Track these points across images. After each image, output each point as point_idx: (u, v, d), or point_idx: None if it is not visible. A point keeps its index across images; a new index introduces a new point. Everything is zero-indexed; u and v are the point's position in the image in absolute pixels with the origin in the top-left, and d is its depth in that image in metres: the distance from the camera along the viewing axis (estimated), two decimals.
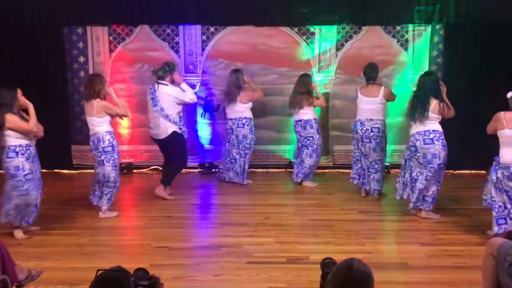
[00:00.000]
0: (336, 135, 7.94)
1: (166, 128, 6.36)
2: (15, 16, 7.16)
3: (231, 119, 7.04)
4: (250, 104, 7.07)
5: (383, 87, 6.34)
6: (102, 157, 5.65)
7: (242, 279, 4.28)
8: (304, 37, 7.78)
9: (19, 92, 5.03)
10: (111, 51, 7.86)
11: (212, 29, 7.80)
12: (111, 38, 7.84)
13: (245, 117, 7.02)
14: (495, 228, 4.92)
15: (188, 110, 7.59)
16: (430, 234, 5.26)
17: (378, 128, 6.26)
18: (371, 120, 6.25)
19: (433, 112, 5.49)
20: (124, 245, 5.17)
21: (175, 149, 6.51)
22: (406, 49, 7.77)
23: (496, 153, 4.93)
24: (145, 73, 7.86)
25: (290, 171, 7.56)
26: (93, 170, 6.02)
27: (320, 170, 7.58)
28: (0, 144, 4.95)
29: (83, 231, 5.40)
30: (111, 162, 5.67)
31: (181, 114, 6.58)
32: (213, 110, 7.92)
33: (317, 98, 6.98)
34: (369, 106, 6.25)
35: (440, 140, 5.53)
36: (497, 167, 4.89)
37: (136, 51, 7.86)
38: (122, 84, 7.87)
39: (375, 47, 7.74)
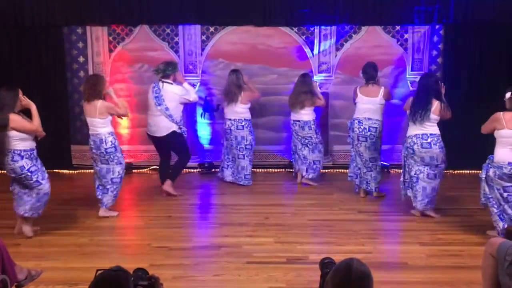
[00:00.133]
0: (336, 135, 7.94)
1: (167, 127, 6.39)
2: (15, 16, 7.16)
3: (229, 119, 7.03)
4: (249, 105, 7.07)
5: (382, 87, 6.36)
6: (106, 157, 5.71)
7: (242, 279, 4.28)
8: (304, 37, 7.78)
9: (20, 92, 5.04)
10: (110, 51, 7.85)
11: (211, 29, 7.80)
12: (110, 38, 7.84)
13: (244, 119, 7.02)
14: (500, 224, 4.92)
15: (188, 110, 7.59)
16: (430, 234, 5.26)
17: (376, 128, 6.26)
18: (369, 119, 6.25)
19: (434, 113, 5.49)
20: (124, 245, 5.17)
21: (175, 146, 6.58)
22: (405, 49, 7.77)
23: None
24: (145, 73, 7.87)
25: (290, 171, 7.57)
26: (92, 170, 6.01)
27: (320, 170, 7.57)
28: (5, 146, 4.94)
29: (82, 231, 5.40)
30: (116, 160, 5.75)
31: (181, 113, 6.59)
32: (213, 110, 7.92)
33: (319, 98, 7.01)
34: (368, 106, 6.25)
35: (438, 144, 5.55)
36: (489, 166, 4.93)
37: (135, 51, 7.86)
38: (122, 84, 7.87)
39: (375, 47, 7.74)
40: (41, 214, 5.24)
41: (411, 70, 7.74)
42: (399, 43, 7.77)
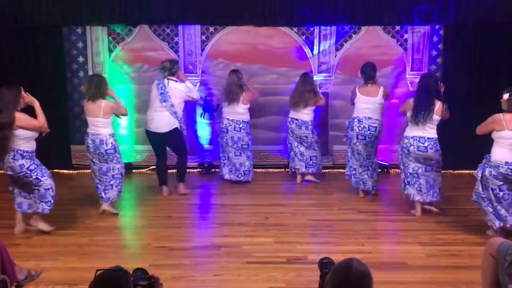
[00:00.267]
0: (336, 135, 7.93)
1: (170, 123, 6.41)
2: (15, 16, 7.15)
3: (227, 119, 7.02)
4: (249, 105, 7.09)
5: (382, 87, 6.37)
6: (105, 157, 5.75)
7: (242, 279, 4.28)
8: (304, 37, 7.78)
9: (22, 90, 5.05)
10: (110, 51, 7.85)
11: (211, 29, 7.80)
12: (110, 38, 7.84)
13: (242, 121, 7.02)
14: (496, 223, 4.94)
15: (188, 110, 7.59)
16: (430, 234, 5.27)
17: (375, 127, 6.28)
18: (369, 118, 6.26)
19: (436, 113, 5.52)
20: (124, 245, 5.18)
21: (176, 143, 6.58)
22: (405, 49, 7.77)
23: None
24: (145, 73, 7.87)
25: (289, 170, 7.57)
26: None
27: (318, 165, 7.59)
28: (9, 144, 4.93)
29: (82, 231, 5.40)
30: (115, 160, 5.80)
31: (182, 112, 6.63)
32: (213, 110, 7.92)
33: (320, 97, 7.06)
34: (368, 106, 6.27)
35: (434, 148, 5.58)
36: (485, 165, 4.94)
37: (135, 51, 7.85)
38: (122, 84, 7.86)
39: (375, 47, 7.74)
40: (51, 210, 5.26)
41: (411, 70, 7.74)
42: (399, 43, 7.77)
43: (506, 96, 4.88)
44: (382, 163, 7.51)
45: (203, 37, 7.82)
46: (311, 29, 7.71)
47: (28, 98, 5.10)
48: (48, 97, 7.32)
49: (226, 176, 7.19)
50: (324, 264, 2.72)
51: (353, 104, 6.47)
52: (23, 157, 5.00)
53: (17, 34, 7.45)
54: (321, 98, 7.10)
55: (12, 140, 4.92)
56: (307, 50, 7.80)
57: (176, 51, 7.79)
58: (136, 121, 7.95)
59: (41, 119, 5.09)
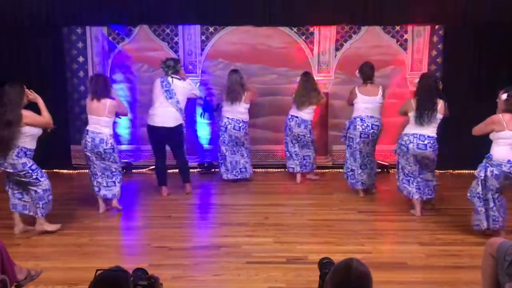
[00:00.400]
0: (336, 135, 7.92)
1: (176, 118, 6.45)
2: (15, 16, 7.14)
3: (227, 117, 7.03)
4: (249, 105, 7.10)
5: (380, 86, 6.43)
6: (103, 156, 5.79)
7: (242, 279, 4.28)
8: (304, 37, 7.78)
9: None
10: (110, 51, 7.85)
11: (211, 29, 7.80)
12: (110, 38, 7.84)
13: (242, 120, 7.04)
14: (485, 224, 5.00)
15: (188, 110, 7.57)
16: (429, 234, 5.27)
17: (378, 126, 6.33)
18: (371, 117, 6.31)
19: (439, 112, 5.56)
20: (123, 245, 5.18)
21: (179, 140, 6.59)
22: (405, 49, 7.77)
23: None
24: (145, 73, 7.87)
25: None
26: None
27: (320, 170, 7.59)
28: (15, 141, 4.94)
29: (82, 231, 5.40)
30: (112, 159, 5.84)
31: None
32: (213, 110, 7.91)
33: (322, 96, 7.12)
34: (368, 105, 6.30)
35: (432, 147, 5.60)
36: (487, 165, 4.92)
37: (135, 51, 7.86)
38: (122, 84, 7.86)
39: (375, 47, 7.74)
40: (50, 210, 5.27)
41: (411, 70, 7.74)
42: (398, 43, 7.77)
43: (504, 96, 4.88)
44: (382, 163, 7.51)
45: (203, 37, 7.82)
46: (311, 29, 7.71)
47: (32, 95, 5.14)
48: (48, 97, 7.32)
49: (224, 176, 7.20)
50: (324, 264, 2.72)
51: (351, 104, 6.51)
52: (26, 155, 5.02)
53: (17, 34, 7.44)
54: (323, 97, 7.16)
55: (18, 137, 4.93)
56: (307, 50, 7.80)
57: (176, 51, 7.79)
58: (136, 121, 7.94)
59: (45, 115, 5.14)
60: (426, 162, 5.72)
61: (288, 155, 7.21)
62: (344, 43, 7.80)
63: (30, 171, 5.06)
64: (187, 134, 6.91)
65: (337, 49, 7.81)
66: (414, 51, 7.75)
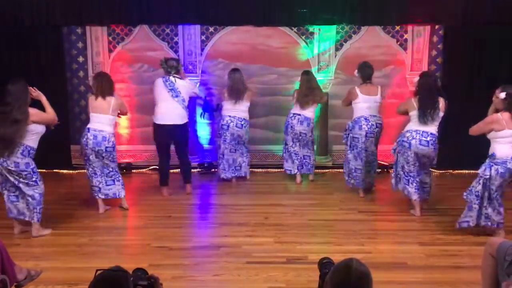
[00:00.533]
0: (336, 135, 7.93)
1: (184, 116, 6.52)
2: (15, 16, 7.15)
3: (229, 116, 7.03)
4: (249, 104, 7.12)
5: (379, 86, 6.47)
6: (103, 155, 5.79)
7: (242, 279, 4.28)
8: (304, 37, 7.78)
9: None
10: (110, 51, 7.85)
11: (211, 29, 7.80)
12: (110, 38, 7.84)
13: (244, 119, 7.06)
14: (474, 221, 5.05)
15: (188, 110, 7.58)
16: (429, 234, 5.27)
17: (381, 124, 6.42)
18: (374, 116, 6.36)
19: (441, 110, 5.60)
20: (123, 245, 5.17)
21: (185, 138, 6.65)
22: (405, 49, 7.78)
23: None
24: (145, 73, 7.87)
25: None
26: None
27: (320, 170, 7.59)
28: (21, 139, 4.95)
29: (82, 231, 5.40)
30: (111, 158, 5.86)
31: None
32: (213, 110, 7.92)
33: (324, 94, 7.21)
34: (369, 104, 6.33)
35: (434, 145, 5.63)
36: (491, 164, 4.91)
37: (135, 51, 7.86)
38: (122, 84, 7.86)
39: (374, 47, 7.74)
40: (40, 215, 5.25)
41: (411, 70, 7.74)
42: (398, 43, 7.78)
43: (502, 95, 4.88)
44: (382, 163, 7.51)
45: (203, 37, 7.82)
46: (311, 29, 7.71)
47: (35, 92, 5.18)
48: (48, 97, 7.31)
49: (222, 175, 7.21)
50: (324, 264, 2.72)
51: (347, 105, 6.58)
52: (29, 154, 5.03)
53: (17, 34, 7.44)
54: (325, 95, 7.21)
55: (25, 136, 4.95)
56: (307, 50, 7.80)
57: (176, 51, 7.79)
58: (136, 121, 7.95)
59: (50, 111, 5.18)
60: (425, 161, 5.72)
61: (287, 156, 7.19)
62: (344, 43, 7.80)
63: (32, 173, 5.07)
64: None
65: (337, 49, 7.81)
66: (414, 51, 7.76)
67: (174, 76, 6.47)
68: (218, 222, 5.77)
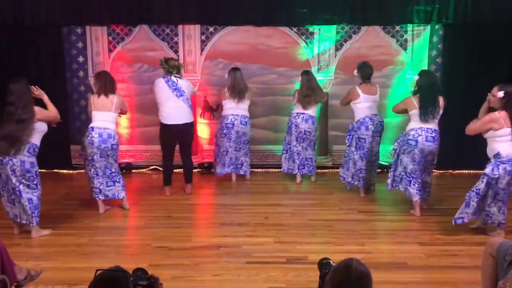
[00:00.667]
0: (336, 135, 7.94)
1: (190, 114, 6.56)
2: (14, 16, 7.15)
3: (232, 114, 7.03)
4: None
5: (377, 85, 6.52)
6: (108, 153, 5.81)
7: (242, 279, 4.28)
8: (304, 37, 7.78)
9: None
10: (110, 51, 7.85)
11: (211, 29, 7.80)
12: (110, 38, 7.84)
13: (246, 116, 7.10)
14: (469, 218, 5.08)
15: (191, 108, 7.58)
16: (429, 234, 5.27)
17: (383, 122, 6.49)
18: (376, 115, 6.41)
19: (441, 108, 5.63)
20: (123, 245, 5.17)
21: (191, 137, 6.70)
22: (405, 49, 7.78)
23: None
24: (144, 73, 7.87)
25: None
26: None
27: (320, 170, 7.59)
28: (28, 138, 4.96)
29: (82, 231, 5.40)
30: (115, 157, 5.90)
31: None
32: (212, 110, 7.92)
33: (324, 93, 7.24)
34: (370, 104, 6.37)
35: (437, 141, 5.66)
36: (498, 163, 4.89)
37: (135, 51, 7.86)
38: (122, 84, 7.85)
39: (374, 47, 7.75)
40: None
41: (411, 70, 7.74)
42: (398, 43, 7.78)
43: (500, 94, 4.87)
44: (382, 163, 7.51)
45: (203, 37, 7.82)
46: (311, 29, 7.71)
47: (37, 91, 5.19)
48: (48, 97, 7.35)
49: (218, 171, 7.19)
50: (324, 265, 2.72)
51: (345, 104, 6.60)
52: (34, 152, 5.06)
53: (17, 34, 7.45)
54: (325, 94, 7.26)
55: (32, 134, 4.97)
56: (307, 50, 7.80)
57: (176, 51, 7.79)
58: (136, 121, 7.95)
59: (53, 109, 5.23)
60: (429, 159, 5.73)
61: (288, 156, 7.19)
62: (344, 43, 7.80)
63: (34, 176, 5.09)
64: None
65: (337, 49, 7.81)
66: (414, 51, 7.76)
67: (175, 76, 6.49)
68: (218, 222, 5.77)
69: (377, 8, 7.06)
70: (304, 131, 6.98)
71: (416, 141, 5.58)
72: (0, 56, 7.55)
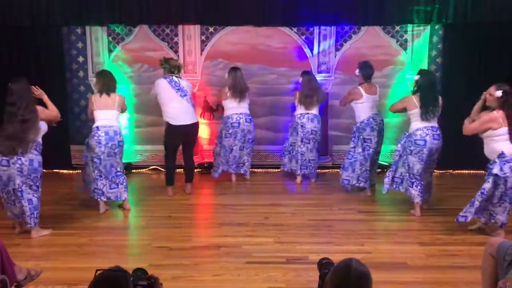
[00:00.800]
0: (336, 135, 7.95)
1: (195, 114, 6.61)
2: (14, 16, 7.14)
3: (237, 113, 7.04)
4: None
5: (376, 85, 6.54)
6: (116, 150, 5.83)
7: (241, 279, 4.28)
8: (304, 37, 7.78)
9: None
10: (110, 51, 7.85)
11: (211, 29, 7.80)
12: (110, 38, 7.84)
13: (250, 114, 7.15)
14: (472, 217, 5.07)
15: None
16: (429, 234, 5.27)
17: (384, 121, 6.52)
18: (377, 114, 6.45)
19: (440, 107, 5.66)
20: (123, 245, 5.17)
21: (196, 136, 6.75)
22: (405, 49, 7.78)
23: None
24: (144, 73, 7.87)
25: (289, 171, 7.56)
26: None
27: (320, 170, 7.59)
28: (35, 137, 4.98)
29: (82, 231, 5.40)
30: (120, 154, 5.93)
31: None
32: (212, 110, 7.91)
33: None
34: (372, 104, 6.40)
35: (441, 138, 5.68)
36: (503, 162, 4.88)
37: (135, 51, 7.86)
38: (121, 84, 7.85)
39: (374, 47, 7.75)
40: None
41: (411, 70, 7.74)
42: (398, 43, 7.78)
43: (499, 93, 4.85)
44: (382, 163, 7.51)
45: (203, 37, 7.82)
46: (311, 29, 7.71)
47: (37, 91, 5.21)
48: (48, 97, 7.35)
49: (221, 167, 7.19)
50: (324, 265, 2.72)
51: (344, 104, 6.62)
52: (40, 150, 5.08)
53: (17, 34, 7.44)
54: (325, 94, 7.30)
55: (38, 133, 5.00)
56: (307, 50, 7.80)
57: (176, 51, 7.79)
58: (135, 121, 7.95)
59: (53, 108, 5.25)
60: (435, 158, 5.75)
61: (291, 156, 7.17)
62: (344, 43, 7.80)
63: (39, 178, 5.09)
64: None
65: (337, 49, 7.81)
66: (414, 51, 7.76)
67: (176, 76, 6.48)
68: (218, 222, 5.77)
69: (377, 8, 7.05)
70: (311, 130, 6.98)
71: (425, 141, 5.58)
72: (0, 56, 7.55)
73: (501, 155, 4.89)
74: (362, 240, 5.11)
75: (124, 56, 7.87)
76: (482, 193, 4.96)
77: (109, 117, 5.79)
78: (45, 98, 5.24)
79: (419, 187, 5.69)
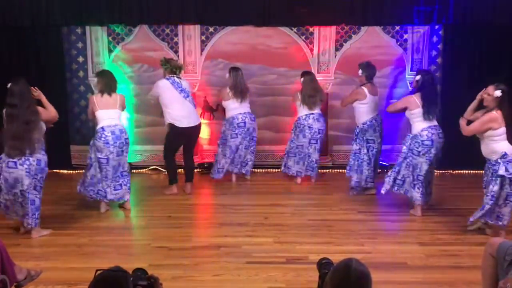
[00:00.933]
0: (336, 135, 7.94)
1: (198, 115, 6.64)
2: (14, 16, 7.14)
3: (241, 113, 7.04)
4: None
5: (376, 85, 6.56)
6: (123, 148, 5.85)
7: (241, 279, 4.28)
8: (303, 37, 7.78)
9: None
10: (110, 51, 7.85)
11: (211, 29, 7.80)
12: (110, 38, 7.83)
13: (252, 113, 7.18)
14: (480, 220, 5.10)
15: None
16: (429, 234, 5.27)
17: (382, 120, 6.53)
18: (378, 115, 6.47)
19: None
20: (123, 245, 5.16)
21: (198, 137, 6.79)
22: (405, 49, 7.78)
23: None
24: (144, 73, 7.86)
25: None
26: None
27: (320, 170, 7.58)
28: (40, 136, 5.01)
29: (82, 231, 5.40)
30: (126, 153, 5.94)
31: None
32: (212, 110, 7.91)
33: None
34: (374, 104, 6.41)
35: (442, 138, 5.71)
36: (507, 162, 4.88)
37: (135, 51, 7.85)
38: (121, 84, 7.85)
39: (374, 47, 7.74)
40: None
41: (411, 70, 7.73)
42: (398, 43, 7.77)
43: (498, 93, 4.86)
44: (382, 163, 7.51)
45: (203, 37, 7.82)
46: (311, 29, 7.71)
47: (36, 92, 5.21)
48: (47, 97, 7.29)
49: (224, 167, 7.17)
50: (323, 265, 2.72)
51: (345, 105, 6.65)
52: (45, 151, 5.09)
53: (17, 34, 7.44)
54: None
55: (42, 133, 5.02)
56: (306, 50, 7.80)
57: (176, 51, 7.79)
58: (135, 121, 7.95)
59: (52, 109, 5.25)
60: (439, 156, 5.78)
61: (297, 159, 7.10)
62: (344, 43, 7.79)
63: (44, 177, 5.12)
64: None
65: (337, 49, 7.81)
66: (414, 51, 7.76)
67: (177, 77, 6.48)
68: (218, 222, 5.77)
69: (377, 8, 7.05)
70: (318, 130, 6.98)
71: (432, 141, 5.59)
72: (0, 56, 7.54)
73: (504, 155, 4.89)
74: (362, 240, 5.11)
75: (124, 56, 7.87)
76: (492, 196, 4.93)
77: (112, 116, 5.80)
78: (44, 99, 5.24)
79: (421, 189, 5.68)
